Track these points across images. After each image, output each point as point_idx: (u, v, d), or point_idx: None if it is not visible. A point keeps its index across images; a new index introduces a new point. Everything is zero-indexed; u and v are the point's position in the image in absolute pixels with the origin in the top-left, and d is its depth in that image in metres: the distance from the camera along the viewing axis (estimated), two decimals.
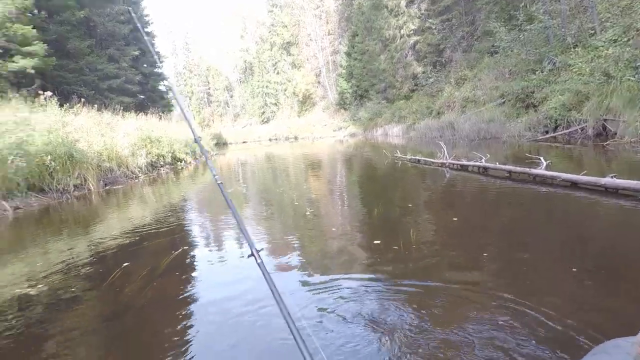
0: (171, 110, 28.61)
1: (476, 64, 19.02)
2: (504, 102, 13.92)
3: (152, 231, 4.37)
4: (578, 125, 9.64)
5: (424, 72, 23.84)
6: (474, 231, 3.57)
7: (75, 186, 7.48)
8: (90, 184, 7.82)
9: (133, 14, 2.49)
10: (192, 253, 3.61)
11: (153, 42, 27.73)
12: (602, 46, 10.26)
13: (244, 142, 39.34)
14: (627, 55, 8.94)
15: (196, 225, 4.88)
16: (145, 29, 26.51)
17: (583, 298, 2.10)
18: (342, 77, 34.72)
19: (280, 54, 48.17)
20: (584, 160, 7.00)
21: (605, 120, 8.80)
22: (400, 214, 4.37)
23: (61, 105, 9.83)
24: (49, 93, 9.47)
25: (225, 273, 3.08)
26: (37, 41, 13.81)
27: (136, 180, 9.52)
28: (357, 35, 30.64)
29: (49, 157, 6.92)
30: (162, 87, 28.95)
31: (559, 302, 2.04)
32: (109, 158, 8.93)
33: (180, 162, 13.24)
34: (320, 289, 2.49)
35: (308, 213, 4.74)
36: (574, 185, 4.61)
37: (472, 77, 18.07)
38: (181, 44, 60.66)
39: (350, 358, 1.74)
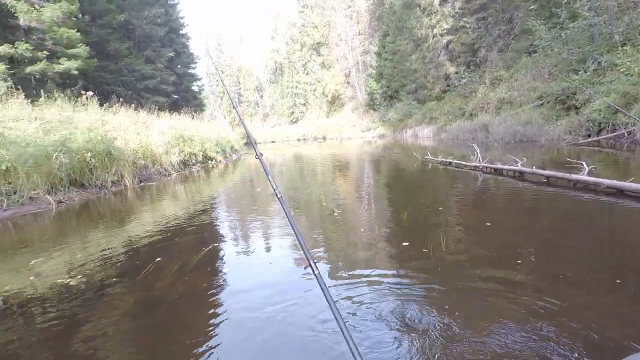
0: (203, 110, 29.39)
1: (513, 63, 18.34)
2: (542, 104, 13.33)
3: (184, 227, 4.47)
4: (625, 128, 9.07)
5: (456, 73, 23.24)
6: (508, 237, 3.41)
7: (112, 182, 7.79)
8: (126, 181, 8.12)
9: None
10: (221, 250, 3.66)
11: (187, 43, 28.56)
12: None
13: (272, 141, 39.83)
14: None
15: (226, 222, 4.95)
16: (180, 31, 27.38)
17: (626, 311, 1.96)
18: (372, 78, 34.44)
19: (310, 55, 48.43)
20: (631, 166, 6.57)
21: None
22: (430, 216, 4.25)
23: (101, 105, 10.30)
24: (90, 93, 9.94)
25: (255, 270, 3.10)
26: (80, 44, 14.55)
27: (169, 178, 9.81)
28: (388, 35, 30.29)
29: (89, 154, 7.23)
30: (195, 88, 29.79)
31: (597, 314, 1.94)
32: (144, 156, 9.24)
33: (211, 160, 13.53)
34: (345, 288, 2.50)
35: (336, 213, 4.70)
36: (620, 192, 4.32)
37: (508, 78, 17.44)
38: (214, 45, 62.23)
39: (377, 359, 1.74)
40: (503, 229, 3.70)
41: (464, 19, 22.76)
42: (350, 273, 2.79)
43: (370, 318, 2.09)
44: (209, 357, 1.88)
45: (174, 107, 20.53)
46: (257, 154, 2.06)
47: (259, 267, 3.17)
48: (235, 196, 7.36)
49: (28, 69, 13.16)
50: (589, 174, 4.95)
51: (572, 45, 13.18)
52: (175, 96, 25.20)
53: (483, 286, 2.37)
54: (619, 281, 2.26)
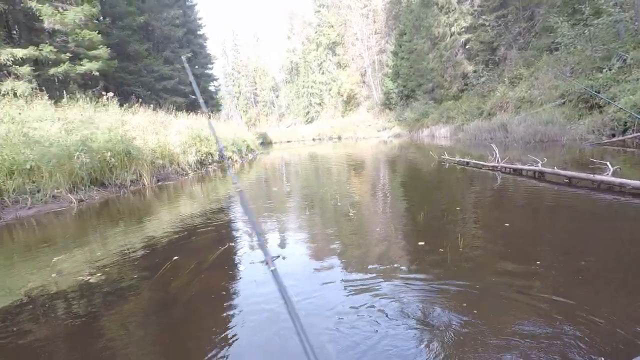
0: (219, 110, 29.69)
1: (533, 62, 17.88)
2: (564, 103, 12.97)
3: (200, 226, 4.52)
4: None
5: (475, 71, 22.83)
6: (527, 238, 3.34)
7: (131, 181, 7.94)
8: (145, 180, 8.27)
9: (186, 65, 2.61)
10: (237, 249, 3.68)
11: (205, 44, 28.93)
12: None
13: (288, 141, 39.98)
14: None
15: (242, 222, 4.97)
16: (198, 32, 27.74)
17: None
18: (388, 77, 34.16)
19: (326, 54, 48.40)
20: None
21: None
22: (447, 216, 4.18)
23: (121, 105, 10.53)
24: (110, 94, 10.17)
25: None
26: (101, 45, 14.90)
27: (186, 177, 9.95)
28: (405, 33, 29.99)
29: (109, 154, 7.39)
30: (211, 88, 30.15)
31: (616, 315, 1.90)
32: (162, 155, 9.40)
33: (227, 160, 13.65)
34: (361, 286, 2.54)
35: (351, 213, 4.67)
36: None
37: (529, 76, 17.02)
38: (230, 45, 62.87)
39: (393, 357, 1.76)
40: (522, 229, 3.62)
41: (483, 17, 22.30)
42: (366, 271, 2.81)
43: (387, 315, 2.12)
44: (224, 354, 1.90)
45: (192, 107, 20.82)
46: (234, 183, 1.78)
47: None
48: (251, 195, 7.41)
49: (52, 71, 13.54)
50: (614, 174, 4.77)
51: (597, 42, 12.77)
52: (193, 96, 25.54)
53: (501, 285, 2.37)
54: None
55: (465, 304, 2.15)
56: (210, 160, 12.22)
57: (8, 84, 11.49)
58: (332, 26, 46.80)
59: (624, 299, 2.12)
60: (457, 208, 4.62)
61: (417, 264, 2.87)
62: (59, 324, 2.34)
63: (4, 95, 8.74)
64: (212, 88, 30.71)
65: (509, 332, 1.85)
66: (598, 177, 4.81)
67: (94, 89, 15.00)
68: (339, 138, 36.11)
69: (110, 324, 2.31)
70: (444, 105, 24.23)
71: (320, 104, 49.73)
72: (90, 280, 2.97)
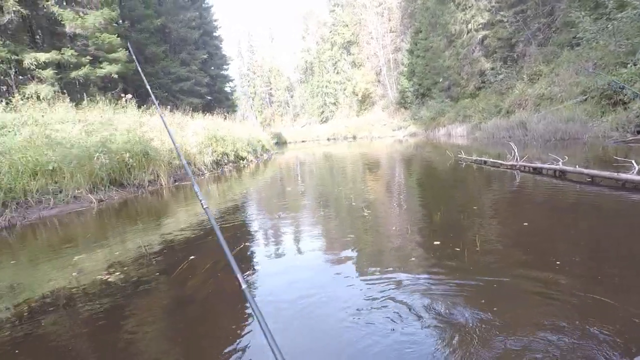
0: (235, 111, 29.96)
1: (553, 58, 17.43)
2: (585, 99, 12.59)
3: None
4: None
5: (492, 69, 22.41)
6: (547, 237, 3.25)
7: (149, 181, 8.08)
8: (162, 180, 8.41)
9: None
10: (253, 248, 3.71)
11: (220, 45, 29.25)
12: None
13: (302, 141, 40.08)
14: None
15: (257, 221, 5.00)
16: (214, 33, 28.05)
17: None
18: (404, 75, 33.88)
19: (341, 54, 48.33)
20: None
21: None
22: (464, 215, 4.11)
23: (139, 107, 10.73)
24: (129, 96, 10.39)
25: (285, 267, 3.12)
26: (120, 48, 15.22)
27: (202, 177, 10.07)
28: (421, 31, 29.68)
29: (128, 155, 7.54)
30: (227, 89, 30.46)
31: (638, 318, 1.83)
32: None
33: (243, 160, 13.78)
34: (376, 283, 2.56)
35: (366, 213, 4.64)
36: None
37: (549, 73, 16.60)
38: (245, 47, 63.42)
39: (410, 352, 1.76)
40: (542, 228, 3.54)
41: (501, 13, 21.86)
42: (381, 268, 2.81)
43: (402, 310, 2.14)
44: (239, 353, 1.91)
45: (208, 108, 21.10)
46: (200, 202, 1.70)
47: (289, 265, 3.19)
48: (266, 195, 7.45)
49: (73, 74, 13.92)
50: None
51: (621, 37, 12.35)
52: (209, 97, 25.90)
53: (518, 285, 2.34)
54: None
55: (483, 301, 2.15)
56: (226, 161, 12.35)
57: (32, 87, 11.86)
58: (347, 25, 46.70)
59: None
60: (474, 207, 4.54)
61: (432, 263, 2.85)
62: (79, 320, 2.40)
63: (28, 98, 9.01)
64: (227, 89, 31.05)
65: (528, 330, 1.83)
66: (623, 175, 4.64)
67: (113, 91, 15.36)
68: (354, 138, 36.01)
69: (128, 322, 2.35)
70: (460, 104, 23.88)
71: (334, 103, 49.69)
72: (109, 279, 3.03)
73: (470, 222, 3.85)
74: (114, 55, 14.96)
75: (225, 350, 1.94)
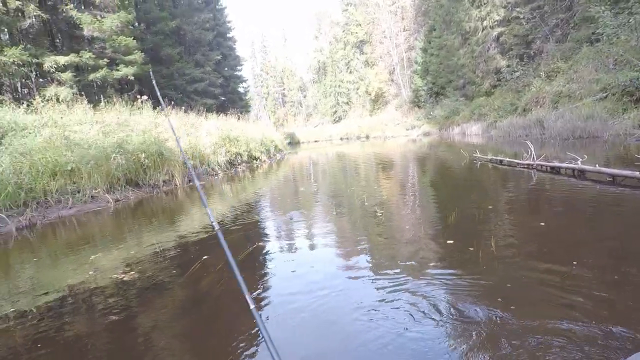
0: (248, 111, 30.17)
1: (572, 54, 17.02)
2: (606, 97, 12.25)
3: (230, 226, 4.60)
4: None
5: (508, 66, 21.98)
6: (564, 237, 3.19)
7: (164, 181, 8.20)
8: (177, 180, 8.52)
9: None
10: (266, 248, 3.72)
11: (234, 46, 29.49)
12: None
13: (315, 141, 40.08)
14: None
15: (270, 221, 5.03)
16: (227, 34, 28.31)
17: None
18: (417, 74, 33.57)
19: (354, 53, 48.14)
20: None
21: None
22: (479, 215, 4.04)
23: (154, 108, 10.89)
24: (145, 97, 10.54)
25: (298, 267, 3.13)
26: (136, 50, 15.50)
27: (216, 177, 10.17)
28: (435, 29, 29.37)
29: (143, 155, 7.67)
30: (240, 89, 30.70)
31: None
32: (192, 156, 9.65)
33: (256, 160, 13.86)
34: (389, 281, 2.57)
35: (379, 213, 4.61)
36: None
37: (567, 70, 16.21)
38: (259, 47, 63.76)
39: (421, 356, 1.75)
40: (559, 229, 3.46)
41: (517, 9, 21.43)
42: (394, 267, 2.81)
43: (415, 308, 2.15)
44: (251, 351, 1.92)
45: (221, 108, 21.31)
46: (211, 222, 1.67)
47: (302, 265, 3.19)
48: (279, 195, 7.47)
49: (91, 76, 14.24)
50: None
51: None
52: (223, 98, 26.15)
53: (534, 284, 2.31)
54: None
55: (499, 299, 2.14)
56: (239, 161, 12.44)
57: (52, 90, 12.19)
58: (360, 24, 46.48)
59: None
60: (489, 207, 4.47)
61: (446, 262, 2.84)
62: (96, 318, 2.45)
63: (48, 100, 9.25)
64: (241, 89, 31.30)
65: (545, 330, 1.80)
66: None
67: (129, 93, 15.66)
68: (367, 137, 35.85)
69: (142, 319, 2.39)
70: (475, 102, 23.53)
71: (347, 103, 49.53)
72: (125, 278, 3.08)
73: (485, 222, 3.79)
74: (130, 57, 15.24)
75: (240, 348, 1.96)
